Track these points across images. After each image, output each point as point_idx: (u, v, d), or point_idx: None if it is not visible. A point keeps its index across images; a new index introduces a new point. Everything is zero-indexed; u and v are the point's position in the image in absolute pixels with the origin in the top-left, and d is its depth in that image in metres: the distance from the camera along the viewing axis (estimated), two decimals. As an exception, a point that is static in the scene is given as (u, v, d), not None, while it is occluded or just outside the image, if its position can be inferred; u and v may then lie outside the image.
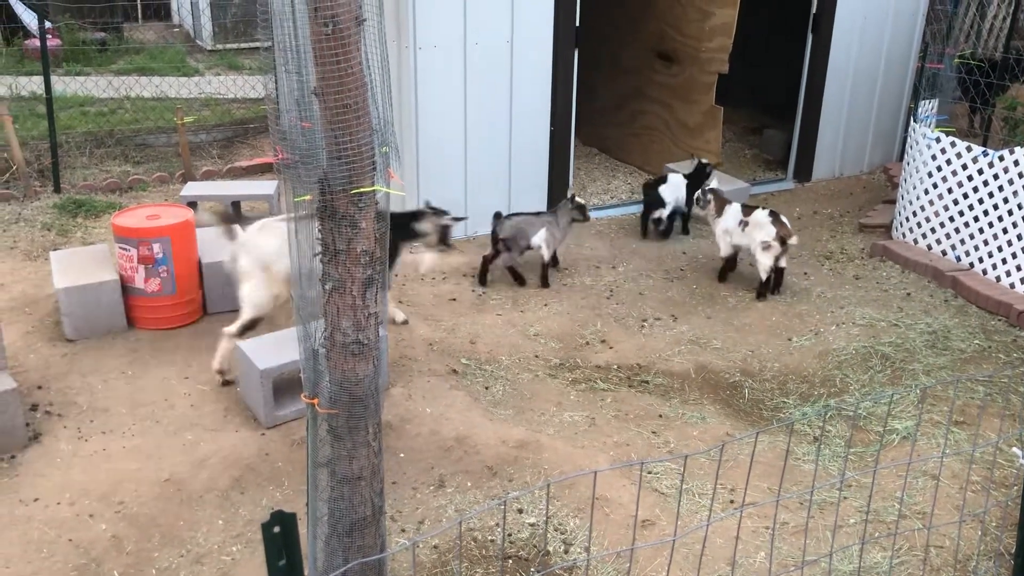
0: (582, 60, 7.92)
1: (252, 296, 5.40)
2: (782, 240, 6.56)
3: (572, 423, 5.22)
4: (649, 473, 4.71)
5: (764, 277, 6.69)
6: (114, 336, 5.95)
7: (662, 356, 5.99)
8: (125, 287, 5.99)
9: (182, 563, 4.12)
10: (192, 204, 7.36)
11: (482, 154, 7.68)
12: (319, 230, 3.40)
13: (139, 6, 17.45)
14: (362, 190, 3.28)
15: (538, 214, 7.12)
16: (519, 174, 7.90)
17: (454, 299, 6.72)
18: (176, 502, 4.47)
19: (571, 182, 8.04)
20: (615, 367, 5.87)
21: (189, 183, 8.31)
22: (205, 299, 6.27)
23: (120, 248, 5.99)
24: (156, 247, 5.89)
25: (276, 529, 1.50)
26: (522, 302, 6.70)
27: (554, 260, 7.10)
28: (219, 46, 15.40)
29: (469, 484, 4.67)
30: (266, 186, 8.08)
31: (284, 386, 5.09)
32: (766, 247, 6.57)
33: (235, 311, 6.25)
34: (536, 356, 5.96)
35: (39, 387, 5.35)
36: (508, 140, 7.78)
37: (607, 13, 9.20)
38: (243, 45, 15.26)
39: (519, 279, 6.96)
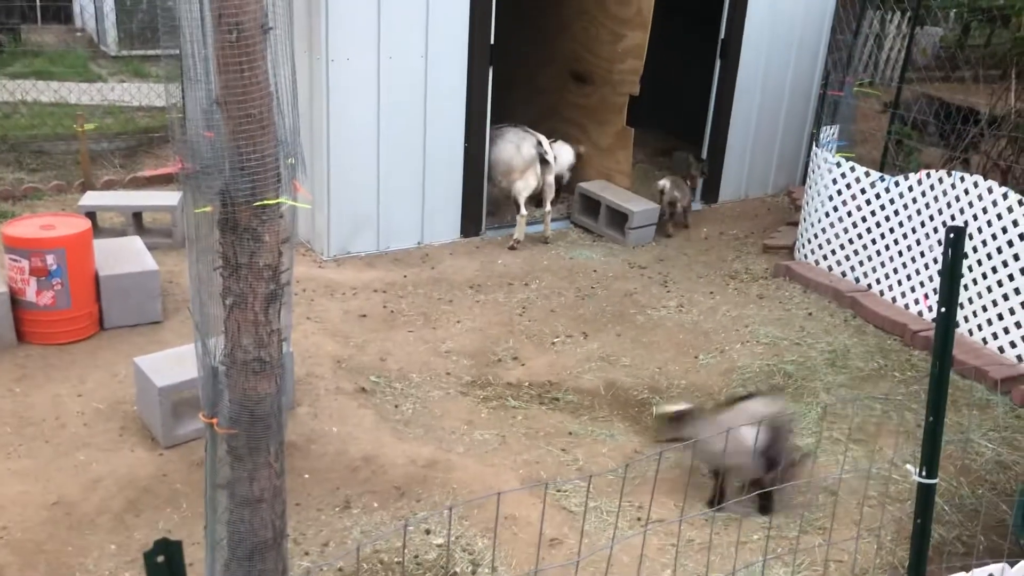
0: (499, 78, 7.93)
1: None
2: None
3: (483, 441, 5.18)
4: (557, 491, 4.70)
5: None
6: (2, 351, 5.65)
7: (573, 373, 6.02)
8: (15, 300, 5.70)
9: (70, 592, 3.92)
10: (91, 215, 7.09)
11: (395, 168, 7.61)
12: (220, 243, 3.29)
13: (38, 7, 16.78)
14: (266, 203, 3.19)
15: None
16: (433, 190, 7.86)
17: (364, 315, 6.62)
18: (65, 527, 4.25)
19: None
20: (526, 384, 5.86)
21: (89, 192, 7.99)
22: (102, 313, 6.01)
23: (11, 259, 5.70)
24: (50, 259, 5.63)
25: (160, 559, 1.42)
26: (434, 318, 6.65)
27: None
28: (124, 52, 14.90)
29: (376, 505, 4.58)
30: (169, 197, 7.82)
31: (184, 404, 4.91)
32: None
33: (134, 326, 6.06)
34: (448, 373, 5.91)
35: (-82, 405, 5.04)
36: (422, 156, 7.73)
37: (523, 33, 9.26)
38: (149, 52, 14.78)
39: None
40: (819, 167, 7.51)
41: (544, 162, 8.01)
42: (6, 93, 11.54)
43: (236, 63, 2.97)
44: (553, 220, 8.45)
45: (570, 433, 5.33)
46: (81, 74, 13.51)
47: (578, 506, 4.61)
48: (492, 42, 7.70)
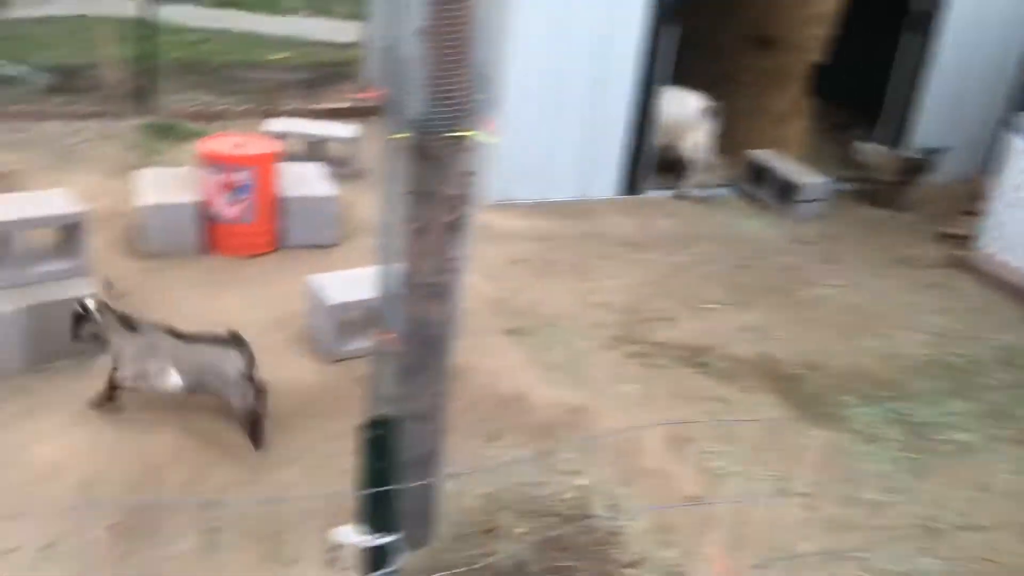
0: (680, 39, 7.82)
1: None
2: None
3: (628, 394, 5.24)
4: (701, 453, 4.71)
5: None
6: (190, 257, 6.11)
7: (724, 340, 5.96)
8: (206, 211, 6.13)
9: (240, 480, 4.25)
10: (279, 137, 7.48)
11: (563, 120, 7.64)
12: (409, 170, 3.44)
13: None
14: (458, 134, 3.31)
15: None
16: (597, 145, 7.85)
17: (520, 261, 6.75)
18: (233, 425, 4.60)
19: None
20: (676, 345, 5.85)
21: (274, 118, 8.44)
22: (282, 231, 6.38)
23: (206, 173, 6.13)
24: (241, 175, 6.02)
25: (376, 432, 1.55)
26: (588, 271, 6.71)
27: None
28: (312, -12, 15.51)
29: (522, 440, 4.73)
30: (348, 129, 8.16)
31: (349, 323, 5.19)
32: None
33: (310, 246, 6.42)
34: (596, 325, 5.98)
35: (117, 297, 5.51)
36: (591, 109, 7.73)
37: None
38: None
39: None
40: (1012, 156, 7.05)
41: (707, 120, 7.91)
42: (204, 21, 12.27)
43: (446, -4, 3.08)
44: (717, 186, 8.32)
45: (717, 398, 5.31)
46: (271, 7, 14.16)
47: (719, 469, 4.61)
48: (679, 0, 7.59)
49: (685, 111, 7.94)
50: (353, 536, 2.74)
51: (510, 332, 5.71)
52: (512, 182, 7.70)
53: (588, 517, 4.23)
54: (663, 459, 4.58)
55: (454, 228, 3.50)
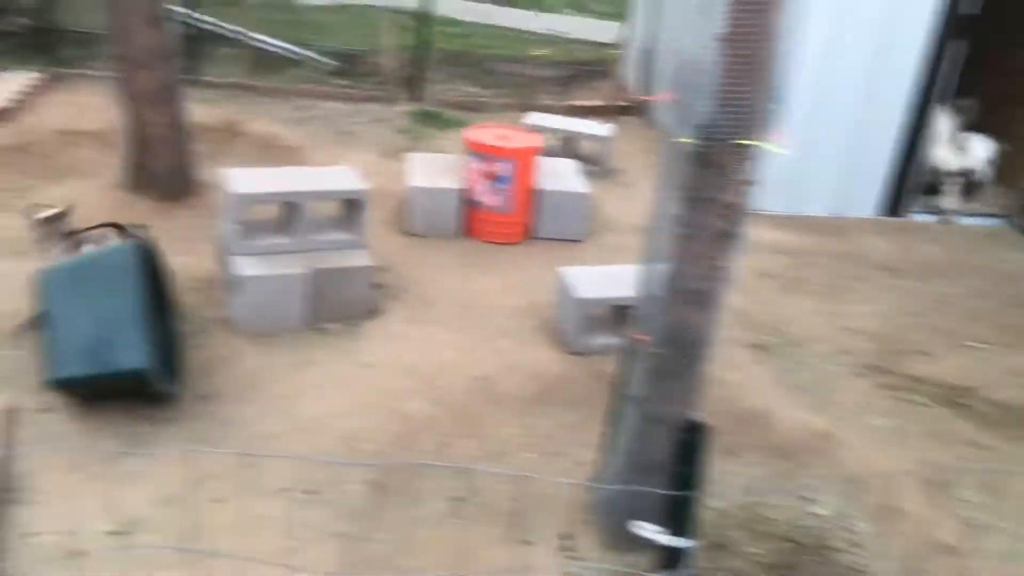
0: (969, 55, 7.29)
1: None
2: None
3: (879, 428, 4.97)
4: (959, 501, 4.39)
5: None
6: (449, 239, 6.45)
7: (989, 382, 5.51)
8: (467, 197, 6.44)
9: (481, 456, 4.45)
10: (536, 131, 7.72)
11: (824, 132, 7.31)
12: (687, 175, 3.45)
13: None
14: (744, 142, 3.28)
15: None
16: (859, 161, 7.48)
17: (768, 275, 6.57)
18: (483, 399, 4.82)
19: None
20: (933, 382, 5.48)
21: (532, 112, 8.70)
22: (534, 223, 6.58)
23: (470, 161, 6.43)
24: (503, 166, 6.27)
25: (687, 436, 1.59)
26: (840, 293, 6.42)
27: None
28: (573, -14, 15.82)
29: (761, 460, 4.61)
30: (601, 128, 8.28)
31: (595, 318, 5.27)
32: None
33: (560, 239, 6.59)
34: (847, 351, 5.71)
35: (383, 270, 5.92)
36: (855, 123, 7.37)
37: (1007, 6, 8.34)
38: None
39: None
40: None
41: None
42: (473, 15, 12.85)
43: (750, 4, 3.05)
44: (986, 216, 7.69)
45: (977, 444, 4.93)
46: (536, 4, 14.59)
47: (977, 520, 4.28)
48: (975, 13, 7.05)
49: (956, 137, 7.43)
50: (656, 533, 2.86)
51: (755, 347, 5.58)
52: (764, 191, 7.48)
53: (827, 549, 4.07)
54: (915, 501, 4.31)
55: (726, 236, 3.47)
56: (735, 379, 5.15)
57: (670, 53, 8.57)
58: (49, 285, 4.16)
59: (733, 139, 3.24)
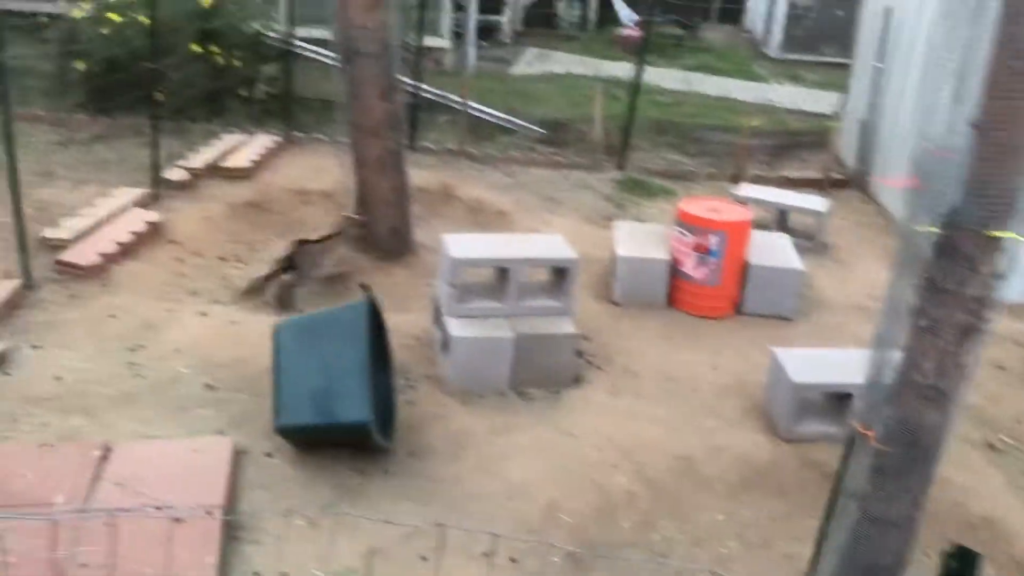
0: None
1: None
2: None
3: None
4: None
5: None
6: (654, 309, 6.40)
7: None
8: (674, 269, 6.39)
9: (681, 539, 4.32)
10: (742, 203, 7.59)
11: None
12: (930, 264, 3.25)
13: (717, 9, 18.34)
14: (996, 234, 3.06)
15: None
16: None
17: (1003, 367, 6.05)
18: (687, 480, 4.69)
19: None
20: None
21: (743, 184, 8.56)
22: (742, 298, 6.43)
23: (679, 232, 6.39)
24: (713, 239, 6.18)
25: (956, 564, 1.48)
26: (1087, 392, 5.81)
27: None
28: (786, 56, 15.56)
29: (990, 572, 4.20)
30: (817, 202, 8.01)
31: (809, 403, 5.04)
32: None
33: (769, 316, 6.39)
34: (1095, 458, 5.14)
35: (586, 338, 5.95)
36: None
37: None
38: (809, 58, 15.25)
39: None
40: None
41: None
42: (679, 84, 12.90)
43: (1008, 89, 2.87)
44: None
45: None
46: (743, 72, 14.47)
47: None
48: None
49: None
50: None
51: (988, 447, 5.13)
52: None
53: None
54: None
55: (971, 331, 3.23)
56: (965, 481, 4.74)
57: (893, 127, 8.22)
58: (284, 336, 4.46)
59: (984, 229, 3.03)
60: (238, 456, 4.47)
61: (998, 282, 3.20)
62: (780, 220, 7.91)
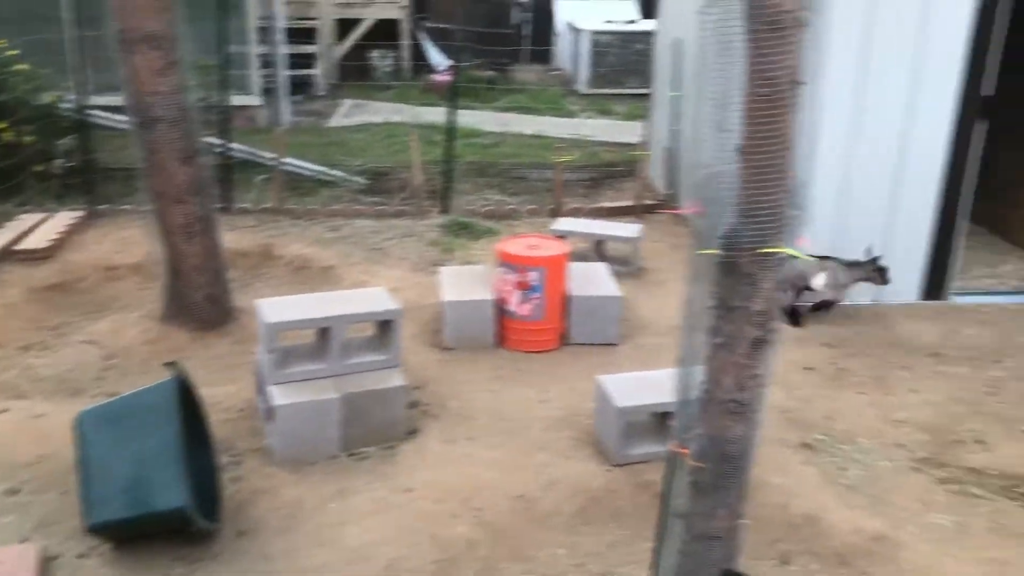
0: (988, 132, 7.28)
1: None
2: None
3: (939, 526, 4.75)
4: (1033, 603, 4.15)
5: None
6: (485, 350, 6.43)
7: (1052, 471, 5.28)
8: (500, 308, 6.45)
9: (525, 579, 4.31)
10: (560, 238, 7.78)
11: (858, 220, 7.29)
12: (717, 284, 3.42)
13: (528, 51, 18.91)
14: (769, 250, 3.25)
15: (825, 258, 7.04)
16: (896, 247, 7.39)
17: (811, 368, 6.44)
18: (525, 519, 4.69)
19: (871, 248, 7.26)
20: (993, 473, 5.26)
21: (560, 218, 8.79)
22: (567, 330, 6.56)
23: (500, 271, 6.47)
24: (533, 275, 6.29)
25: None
26: (887, 383, 6.25)
27: (827, 305, 7.14)
28: (595, 90, 16.21)
29: (816, 567, 4.42)
30: (630, 229, 8.32)
31: (637, 426, 5.18)
32: None
33: (595, 344, 6.54)
34: (900, 445, 5.52)
35: (418, 387, 5.90)
36: (888, 210, 7.33)
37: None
38: (616, 91, 15.95)
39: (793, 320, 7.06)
40: None
41: None
42: (495, 124, 13.18)
43: (764, 116, 3.07)
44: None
45: (1047, 539, 4.68)
46: (556, 109, 14.95)
47: (1057, 626, 4.03)
48: (991, 94, 7.08)
49: None
50: None
51: (803, 446, 5.42)
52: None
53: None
54: (985, 607, 4.08)
55: (760, 344, 3.41)
56: (783, 482, 4.99)
57: (691, 155, 8.67)
58: (86, 427, 4.18)
59: (759, 247, 3.22)
60: (47, 563, 4.14)
61: (777, 295, 3.40)
62: (598, 249, 8.16)
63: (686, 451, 3.60)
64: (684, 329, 3.59)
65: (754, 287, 3.33)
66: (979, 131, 7.25)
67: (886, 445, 5.52)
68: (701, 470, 3.59)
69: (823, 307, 7.18)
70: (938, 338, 6.92)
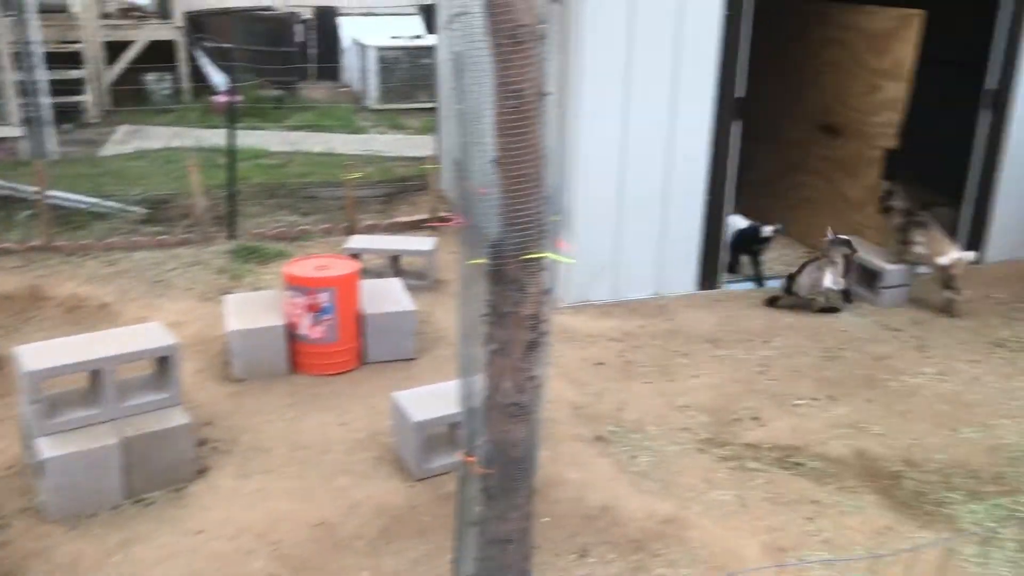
0: (744, 131, 7.87)
1: None
2: None
3: (721, 502, 5.07)
4: (801, 562, 4.51)
5: None
6: (277, 378, 6.25)
7: (818, 438, 5.76)
8: (290, 333, 6.29)
9: (330, 607, 4.22)
10: (354, 256, 7.70)
11: (634, 220, 7.68)
12: (487, 292, 3.49)
13: (312, 68, 18.58)
14: (532, 256, 3.35)
15: (814, 260, 7.69)
16: (671, 242, 7.85)
17: (601, 363, 6.71)
18: (327, 546, 4.60)
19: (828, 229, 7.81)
20: (767, 446, 5.68)
21: (353, 236, 8.69)
22: (364, 348, 6.49)
23: (289, 295, 6.31)
24: (323, 296, 6.18)
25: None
26: (671, 371, 6.62)
27: (847, 294, 7.79)
28: (385, 106, 16.17)
29: (613, 556, 4.59)
30: (424, 242, 8.36)
31: (436, 439, 5.19)
32: None
33: (393, 361, 6.51)
34: (685, 429, 5.85)
35: (207, 423, 5.65)
36: (661, 207, 7.76)
37: (771, 86, 9.11)
38: (406, 105, 15.98)
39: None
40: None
41: None
42: (285, 144, 12.86)
43: (514, 127, 3.17)
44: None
45: (814, 501, 5.10)
46: (347, 126, 14.78)
47: (825, 580, 4.40)
48: (743, 96, 7.67)
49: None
50: None
51: (595, 439, 5.63)
52: (588, 283, 7.73)
53: (688, 638, 4.05)
54: (762, 572, 4.38)
55: (533, 347, 3.51)
56: (578, 477, 5.16)
57: (454, 169, 8.83)
58: None
59: (521, 254, 3.31)
60: None
61: (546, 299, 3.51)
62: (393, 264, 8.14)
63: (472, 459, 3.65)
64: (461, 339, 3.64)
65: (523, 292, 3.42)
66: (735, 130, 7.82)
67: (672, 430, 5.83)
68: (489, 476, 3.65)
69: (846, 296, 7.78)
70: (714, 325, 7.40)
